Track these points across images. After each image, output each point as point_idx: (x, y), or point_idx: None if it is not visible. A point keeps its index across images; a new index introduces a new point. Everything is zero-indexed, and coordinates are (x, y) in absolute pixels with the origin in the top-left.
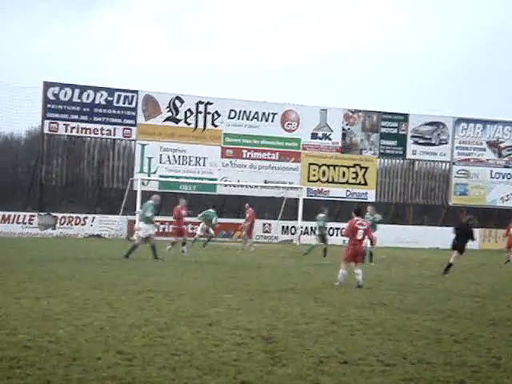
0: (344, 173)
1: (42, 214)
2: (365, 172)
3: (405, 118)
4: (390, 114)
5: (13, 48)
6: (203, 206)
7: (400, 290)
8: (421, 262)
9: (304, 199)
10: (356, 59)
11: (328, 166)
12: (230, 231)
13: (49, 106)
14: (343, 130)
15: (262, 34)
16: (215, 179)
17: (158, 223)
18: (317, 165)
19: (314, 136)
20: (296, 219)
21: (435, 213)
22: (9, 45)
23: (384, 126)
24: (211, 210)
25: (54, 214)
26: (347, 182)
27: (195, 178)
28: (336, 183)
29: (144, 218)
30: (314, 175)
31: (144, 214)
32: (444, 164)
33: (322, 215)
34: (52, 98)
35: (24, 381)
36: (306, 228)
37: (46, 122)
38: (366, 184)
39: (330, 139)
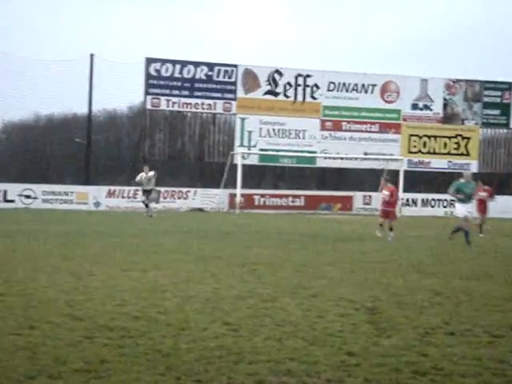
0: (445, 143)
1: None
2: (467, 142)
3: (509, 86)
4: (492, 82)
5: (118, 25)
6: (302, 179)
7: (506, 262)
8: None
9: (405, 171)
10: (457, 28)
11: (429, 137)
12: (330, 204)
13: (151, 81)
14: (444, 100)
15: (361, 8)
16: (315, 152)
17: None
18: (417, 136)
19: (414, 107)
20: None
21: None
22: (116, 21)
23: (487, 95)
24: (462, 181)
25: (157, 189)
26: (449, 153)
27: (295, 151)
28: (437, 154)
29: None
30: (415, 146)
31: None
32: None
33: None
34: (154, 73)
35: (135, 349)
36: (408, 200)
37: (149, 97)
38: (468, 154)
39: (431, 110)
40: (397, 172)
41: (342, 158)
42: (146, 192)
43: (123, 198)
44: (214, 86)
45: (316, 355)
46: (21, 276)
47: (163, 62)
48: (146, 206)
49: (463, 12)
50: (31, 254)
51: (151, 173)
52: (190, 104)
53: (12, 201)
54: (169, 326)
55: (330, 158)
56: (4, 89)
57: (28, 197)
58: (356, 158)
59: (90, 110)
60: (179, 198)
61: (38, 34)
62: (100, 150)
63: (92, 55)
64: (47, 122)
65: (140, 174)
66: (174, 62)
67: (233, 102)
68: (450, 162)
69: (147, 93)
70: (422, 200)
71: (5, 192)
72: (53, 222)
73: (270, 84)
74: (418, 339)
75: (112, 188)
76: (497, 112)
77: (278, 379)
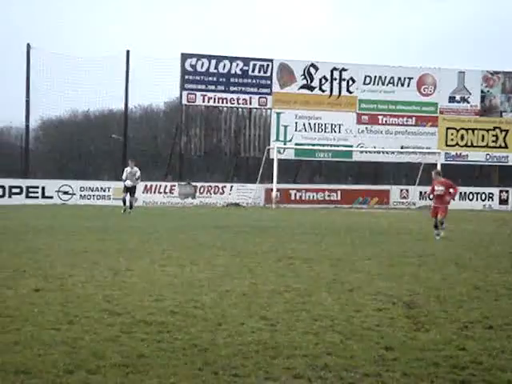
0: (483, 136)
1: (182, 183)
2: (505, 135)
3: None
4: None
5: (154, 21)
6: (338, 173)
7: None
8: None
9: (442, 164)
10: (493, 20)
11: (466, 130)
12: (367, 198)
13: (186, 77)
14: (482, 92)
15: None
16: (351, 146)
17: None
18: (455, 129)
19: (451, 99)
20: None
21: None
22: (152, 18)
23: None
24: None
25: (193, 184)
26: (487, 146)
27: (331, 145)
28: (475, 147)
29: None
30: (452, 139)
31: None
32: None
33: None
34: (189, 69)
35: (173, 344)
36: None
37: (184, 92)
38: (506, 147)
39: (469, 102)
40: (434, 165)
41: (378, 152)
42: (129, 188)
43: (160, 193)
44: (249, 80)
45: (353, 350)
46: (59, 271)
47: (199, 57)
48: (124, 202)
49: (499, 4)
50: (69, 249)
51: (136, 168)
52: (226, 99)
53: (50, 197)
54: (206, 321)
55: (366, 151)
56: (42, 86)
57: (66, 193)
58: (392, 152)
59: (126, 106)
60: (215, 193)
61: (76, 31)
62: (136, 145)
63: (128, 52)
64: (84, 119)
65: (125, 169)
66: (209, 57)
67: (268, 97)
68: (488, 154)
69: (183, 88)
70: (460, 193)
71: (43, 188)
72: (90, 217)
73: (305, 78)
74: (457, 333)
75: (148, 184)
76: None
77: (316, 374)
